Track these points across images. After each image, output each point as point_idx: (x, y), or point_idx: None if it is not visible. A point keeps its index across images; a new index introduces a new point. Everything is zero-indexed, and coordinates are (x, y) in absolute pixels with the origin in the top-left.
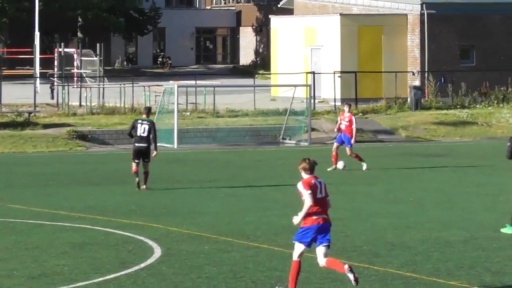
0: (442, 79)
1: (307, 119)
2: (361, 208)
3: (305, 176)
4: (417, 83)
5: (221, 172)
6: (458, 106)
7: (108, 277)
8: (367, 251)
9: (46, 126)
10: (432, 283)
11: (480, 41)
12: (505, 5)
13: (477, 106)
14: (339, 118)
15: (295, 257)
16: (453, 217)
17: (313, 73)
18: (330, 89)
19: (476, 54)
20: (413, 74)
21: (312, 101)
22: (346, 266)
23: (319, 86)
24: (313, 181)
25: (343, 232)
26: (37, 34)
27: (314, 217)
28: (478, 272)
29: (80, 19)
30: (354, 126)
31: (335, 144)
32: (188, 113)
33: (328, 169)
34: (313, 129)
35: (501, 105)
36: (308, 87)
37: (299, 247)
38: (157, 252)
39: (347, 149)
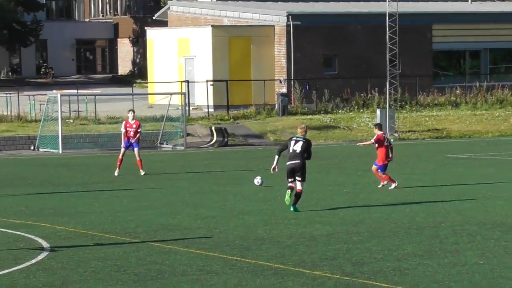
0: (307, 86)
1: (182, 125)
2: (233, 207)
3: None
4: (284, 90)
5: (103, 175)
6: (322, 112)
7: (1, 272)
8: (239, 245)
9: None
10: (299, 273)
11: (342, 50)
12: (365, 16)
13: (340, 111)
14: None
15: None
16: (317, 213)
17: (187, 81)
18: (203, 97)
19: (339, 62)
20: (280, 82)
21: (187, 108)
22: None
23: (193, 94)
24: None
25: (217, 228)
26: None
27: None
28: (340, 263)
29: None
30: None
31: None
32: (71, 120)
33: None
34: (188, 134)
35: (361, 110)
36: (182, 95)
37: None
38: (46, 249)
39: None
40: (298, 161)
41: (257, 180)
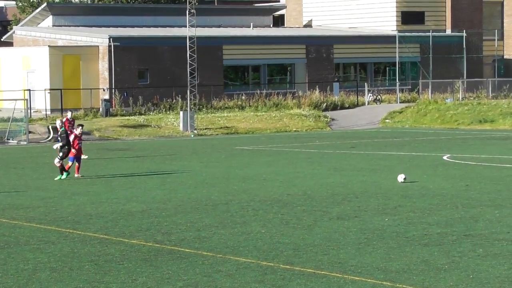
0: (125, 93)
1: (25, 124)
2: (66, 189)
3: None
4: (107, 96)
5: None
6: (137, 113)
7: None
8: (71, 220)
9: None
10: (119, 242)
11: (153, 65)
12: (170, 38)
13: (151, 113)
14: None
15: None
16: (134, 194)
17: (29, 90)
18: (42, 102)
19: (150, 74)
20: (104, 90)
21: (29, 111)
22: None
23: (34, 100)
24: None
25: (53, 207)
26: None
27: None
28: (152, 233)
29: None
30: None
31: None
32: None
33: None
34: (30, 132)
35: (168, 112)
36: (25, 100)
37: None
38: None
39: None
40: None
41: (401, 177)
